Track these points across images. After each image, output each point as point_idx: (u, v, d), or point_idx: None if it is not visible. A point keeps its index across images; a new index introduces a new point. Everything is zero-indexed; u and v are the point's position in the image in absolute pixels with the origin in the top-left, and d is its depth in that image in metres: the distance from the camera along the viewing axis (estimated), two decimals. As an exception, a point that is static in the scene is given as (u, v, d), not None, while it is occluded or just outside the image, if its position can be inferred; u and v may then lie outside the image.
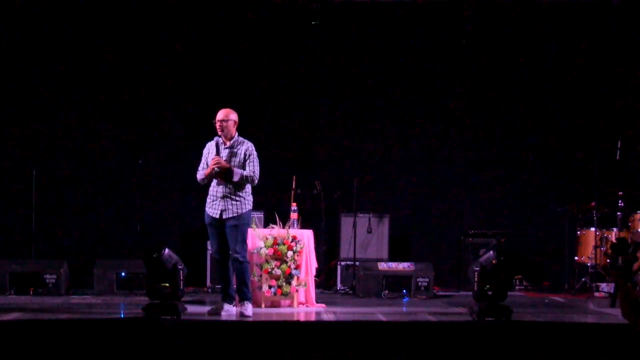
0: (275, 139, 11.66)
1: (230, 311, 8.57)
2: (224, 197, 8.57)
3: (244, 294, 8.58)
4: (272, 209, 10.01)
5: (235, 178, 8.52)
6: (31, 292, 10.23)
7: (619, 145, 11.04)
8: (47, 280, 10.34)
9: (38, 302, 9.53)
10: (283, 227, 9.46)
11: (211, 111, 11.61)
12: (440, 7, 11.97)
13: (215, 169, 8.52)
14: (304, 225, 9.81)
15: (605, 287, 10.75)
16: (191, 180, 11.61)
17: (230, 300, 8.63)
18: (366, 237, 11.40)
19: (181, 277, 8.13)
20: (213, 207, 8.61)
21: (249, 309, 8.50)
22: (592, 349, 6.70)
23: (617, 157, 11.04)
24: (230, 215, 8.57)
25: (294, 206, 9.78)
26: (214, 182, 8.64)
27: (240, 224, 8.62)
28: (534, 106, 12.14)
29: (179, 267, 8.14)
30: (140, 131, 11.82)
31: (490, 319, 7.92)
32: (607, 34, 11.97)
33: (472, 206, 12.09)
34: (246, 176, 8.58)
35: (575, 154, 11.95)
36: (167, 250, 8.12)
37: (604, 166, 11.01)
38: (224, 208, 8.56)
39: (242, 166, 8.61)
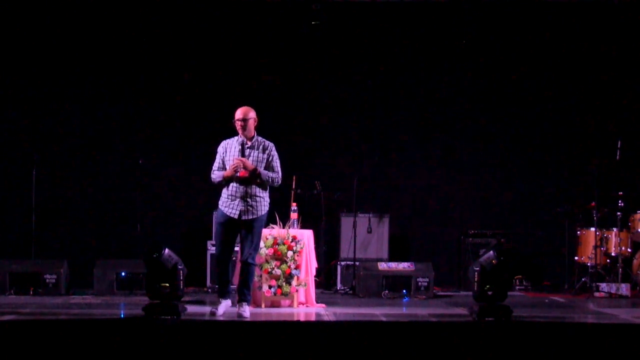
0: (275, 139, 11.60)
1: (229, 304, 8.55)
2: (243, 197, 8.48)
3: (244, 295, 8.55)
4: (272, 209, 9.99)
5: (263, 178, 8.49)
6: (31, 292, 10.22)
7: (619, 145, 11.05)
8: (47, 280, 10.33)
9: (38, 302, 9.52)
10: (283, 227, 9.46)
11: (211, 111, 11.71)
12: (440, 7, 11.97)
13: (237, 173, 8.42)
14: (304, 225, 9.80)
15: (605, 287, 10.75)
16: (191, 180, 11.69)
17: (227, 297, 8.61)
18: (366, 237, 11.39)
19: (181, 277, 8.12)
20: (231, 207, 8.51)
21: (247, 310, 8.49)
22: (592, 349, 6.70)
23: (617, 157, 11.04)
24: (250, 217, 8.50)
25: (294, 206, 9.78)
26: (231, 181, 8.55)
27: (257, 226, 8.57)
28: (533, 106, 12.14)
29: (179, 267, 8.14)
30: (140, 131, 11.82)
31: (490, 319, 7.92)
32: (607, 34, 11.97)
33: (472, 206, 12.09)
34: (272, 178, 8.56)
35: (575, 154, 11.95)
36: (167, 250, 8.11)
37: (604, 166, 11.02)
38: (243, 209, 8.48)
39: (266, 166, 8.56)
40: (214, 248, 10.84)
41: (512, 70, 12.10)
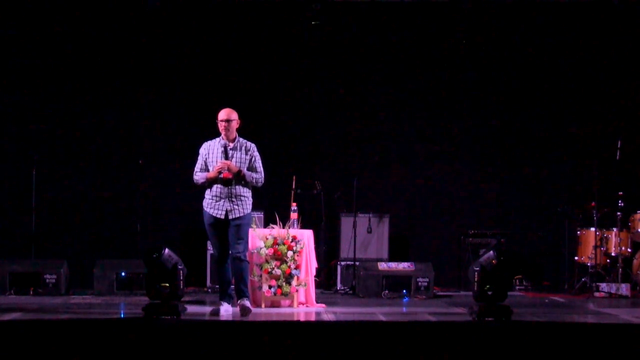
0: (275, 139, 11.66)
1: (229, 310, 8.57)
2: (228, 197, 8.52)
3: (242, 292, 8.59)
4: (272, 209, 10.00)
5: (247, 179, 8.53)
6: (31, 292, 10.23)
7: (619, 145, 11.05)
8: (47, 280, 10.34)
9: (38, 302, 9.52)
10: (283, 227, 9.46)
11: (211, 111, 11.64)
12: (440, 7, 11.97)
13: (220, 175, 8.46)
14: (304, 225, 9.80)
15: (605, 287, 10.75)
16: (191, 180, 11.67)
17: (229, 300, 8.64)
18: (366, 237, 11.39)
19: (181, 277, 8.12)
20: (216, 208, 8.56)
21: (247, 302, 8.56)
22: (592, 349, 6.70)
23: (617, 157, 11.04)
24: (237, 216, 8.55)
25: (294, 206, 9.78)
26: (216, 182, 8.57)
27: (244, 224, 8.62)
28: (534, 106, 12.14)
29: (179, 267, 8.14)
30: (140, 131, 11.82)
31: (490, 319, 7.92)
32: (607, 34, 11.97)
33: (472, 206, 12.09)
34: (256, 179, 8.60)
35: (575, 154, 11.95)
36: (167, 250, 8.11)
37: (604, 166, 11.02)
38: (229, 208, 8.53)
39: (248, 167, 8.60)
40: (214, 248, 10.90)
41: (512, 70, 12.10)
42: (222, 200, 8.54)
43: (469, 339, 6.81)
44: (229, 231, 8.58)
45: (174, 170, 11.75)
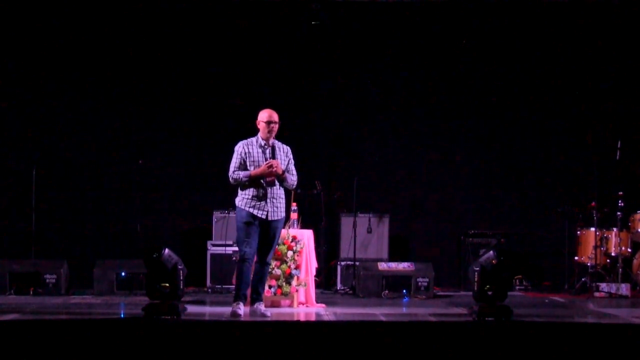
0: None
1: (246, 310, 8.55)
2: (271, 198, 8.52)
3: (260, 295, 8.66)
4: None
5: (288, 182, 8.56)
6: (31, 292, 10.23)
7: (619, 145, 11.05)
8: (47, 280, 10.34)
9: (38, 302, 9.52)
10: (283, 227, 9.45)
11: (211, 111, 11.70)
12: (440, 7, 11.97)
13: (270, 170, 8.41)
14: (304, 225, 9.80)
15: (605, 287, 10.75)
16: (191, 180, 11.69)
17: (244, 300, 8.59)
18: (366, 237, 11.39)
19: (181, 277, 8.13)
20: (258, 208, 8.48)
21: (263, 308, 8.60)
22: (592, 349, 6.70)
23: (617, 157, 11.04)
24: (277, 217, 8.57)
25: (294, 206, 9.77)
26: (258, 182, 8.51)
27: (280, 227, 8.68)
28: (533, 106, 12.14)
29: (179, 267, 8.14)
30: (140, 131, 11.82)
31: (490, 319, 7.92)
32: (607, 34, 11.97)
33: (472, 206, 12.09)
34: (294, 181, 8.65)
35: (575, 154, 11.96)
36: (167, 250, 8.11)
37: (604, 166, 11.02)
38: (271, 210, 8.51)
39: (285, 169, 8.61)
40: (214, 248, 10.90)
41: (512, 70, 12.10)
42: (263, 201, 8.50)
43: (469, 339, 6.81)
44: (267, 232, 8.55)
45: (174, 170, 11.76)
